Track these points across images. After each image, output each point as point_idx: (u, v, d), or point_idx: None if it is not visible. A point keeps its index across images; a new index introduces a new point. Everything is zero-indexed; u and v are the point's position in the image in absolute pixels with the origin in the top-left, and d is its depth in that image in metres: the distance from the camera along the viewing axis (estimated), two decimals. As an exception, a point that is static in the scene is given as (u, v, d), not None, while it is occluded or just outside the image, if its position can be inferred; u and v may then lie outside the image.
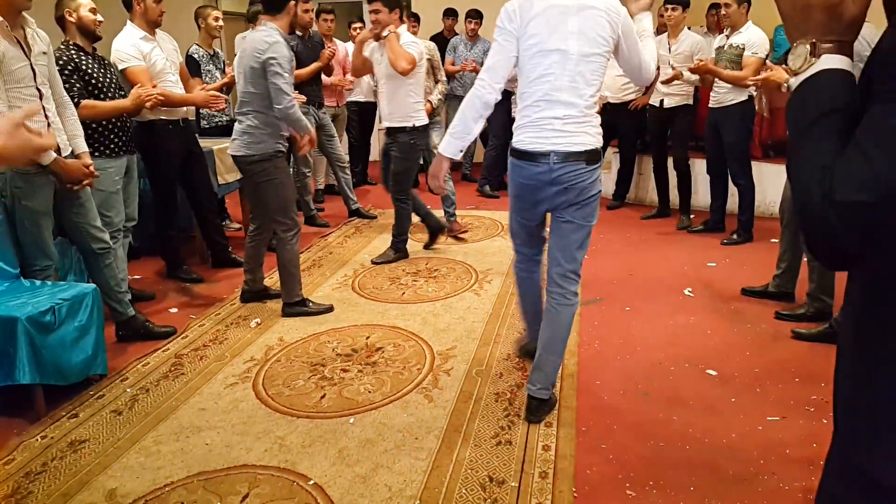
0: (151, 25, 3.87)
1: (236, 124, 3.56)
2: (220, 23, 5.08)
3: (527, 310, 2.96)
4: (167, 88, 3.88)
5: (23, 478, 2.32)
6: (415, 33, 6.59)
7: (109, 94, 3.48)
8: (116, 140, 3.53)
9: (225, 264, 4.55)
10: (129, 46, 3.76)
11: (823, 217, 0.82)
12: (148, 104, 3.54)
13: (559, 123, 2.43)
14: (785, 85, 3.11)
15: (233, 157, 3.61)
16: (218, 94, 4.20)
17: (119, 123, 3.55)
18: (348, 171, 5.90)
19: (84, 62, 3.39)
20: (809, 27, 0.91)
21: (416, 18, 6.67)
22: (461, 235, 5.20)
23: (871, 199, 0.77)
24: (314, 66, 5.35)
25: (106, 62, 3.59)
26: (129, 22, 3.85)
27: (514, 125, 2.56)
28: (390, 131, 4.49)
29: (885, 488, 0.90)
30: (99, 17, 3.44)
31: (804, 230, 0.87)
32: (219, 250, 4.55)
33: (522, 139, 2.50)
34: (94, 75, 3.42)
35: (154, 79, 3.81)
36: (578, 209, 2.54)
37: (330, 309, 3.78)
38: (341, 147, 5.81)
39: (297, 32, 5.31)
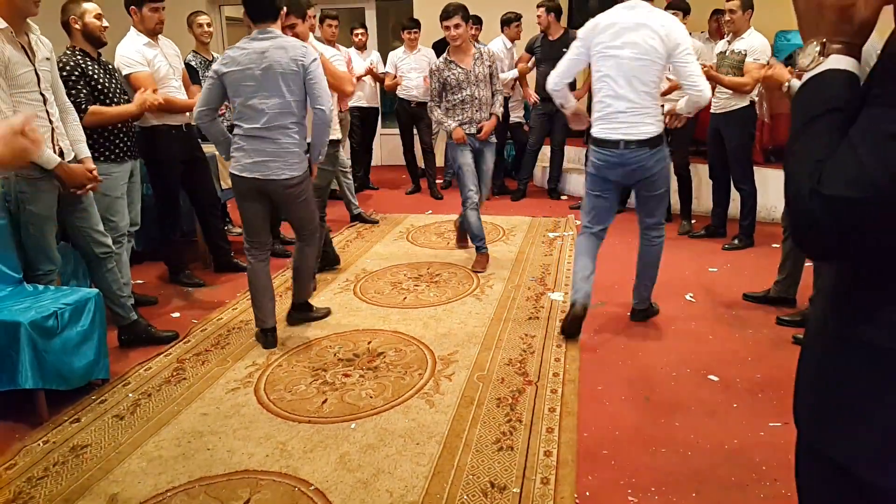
0: (151, 33, 3.89)
1: (261, 143, 3.12)
2: (209, 29, 5.10)
3: (577, 272, 3.54)
4: (170, 94, 3.89)
5: (24, 482, 2.33)
6: (415, 40, 6.64)
7: (115, 100, 3.50)
8: (121, 145, 3.55)
9: (227, 268, 4.56)
10: (132, 52, 3.78)
11: (809, 208, 0.85)
12: (153, 109, 3.55)
13: (623, 116, 3.18)
14: (786, 85, 3.11)
15: (272, 181, 3.17)
16: None
17: (124, 129, 3.57)
18: (350, 176, 5.91)
19: (90, 68, 3.41)
20: (821, 27, 0.94)
21: (416, 25, 6.68)
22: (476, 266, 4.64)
23: (857, 195, 0.81)
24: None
25: (111, 67, 3.61)
26: (132, 28, 3.87)
27: (592, 117, 3.35)
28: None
29: (847, 470, 0.93)
30: (104, 23, 3.46)
31: (791, 219, 0.91)
32: (221, 255, 4.56)
33: (598, 130, 3.28)
34: (101, 81, 3.44)
35: (157, 84, 3.83)
36: (649, 183, 3.36)
37: (328, 312, 3.78)
38: (344, 152, 5.82)
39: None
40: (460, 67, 4.37)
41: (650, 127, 3.18)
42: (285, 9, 3.25)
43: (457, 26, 4.26)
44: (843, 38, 0.92)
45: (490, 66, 4.48)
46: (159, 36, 3.97)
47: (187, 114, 4.11)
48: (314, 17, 5.91)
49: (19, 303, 2.76)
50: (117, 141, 3.52)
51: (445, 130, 4.50)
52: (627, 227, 5.59)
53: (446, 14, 4.25)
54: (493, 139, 4.63)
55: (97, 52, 3.51)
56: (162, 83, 3.87)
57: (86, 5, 3.42)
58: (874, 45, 0.95)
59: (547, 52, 6.23)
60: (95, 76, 3.42)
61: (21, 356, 2.57)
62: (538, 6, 6.23)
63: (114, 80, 3.55)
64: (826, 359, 0.99)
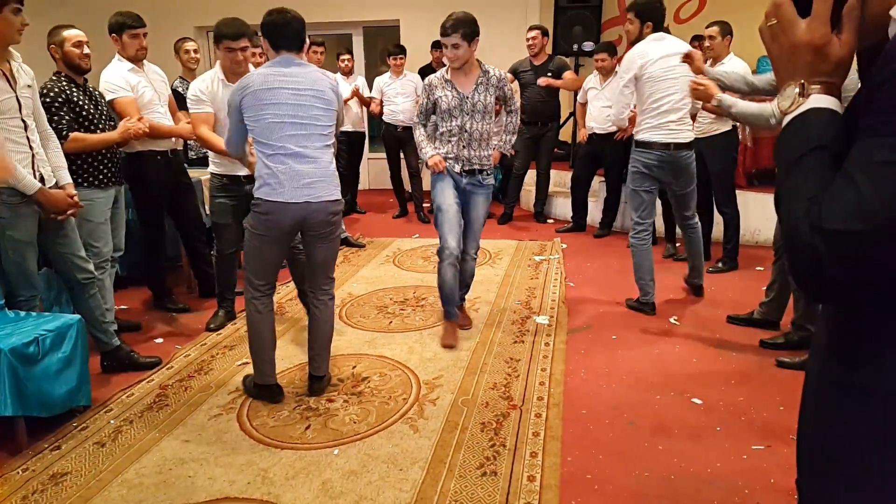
0: (133, 60, 3.90)
1: (308, 166, 2.81)
2: (196, 55, 5.14)
3: (647, 271, 4.16)
4: (155, 119, 3.91)
5: (2, 512, 2.30)
6: (400, 66, 6.70)
7: (100, 126, 3.51)
8: (105, 171, 3.54)
9: (212, 294, 4.53)
10: (117, 78, 3.79)
11: (811, 246, 0.82)
12: (135, 136, 3.56)
13: (673, 125, 3.94)
14: (716, 99, 3.24)
15: (319, 208, 2.84)
16: None
17: (108, 155, 3.57)
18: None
19: (74, 94, 3.42)
20: (797, 68, 0.93)
21: (402, 51, 6.75)
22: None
23: (860, 227, 0.79)
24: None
25: (96, 94, 3.62)
26: (117, 54, 3.88)
27: (642, 125, 4.00)
28: None
29: None
30: (85, 51, 3.46)
31: (791, 261, 0.88)
32: (206, 280, 4.54)
33: (651, 135, 3.97)
34: (85, 107, 3.45)
35: (142, 110, 3.84)
36: (689, 177, 4.10)
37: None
38: None
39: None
40: (456, 90, 3.53)
41: (690, 133, 4.05)
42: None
43: (455, 46, 3.40)
44: (822, 77, 0.92)
45: (498, 91, 3.62)
46: (145, 62, 3.99)
47: (172, 139, 4.12)
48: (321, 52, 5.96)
49: (0, 329, 2.74)
50: (100, 167, 3.51)
51: (422, 158, 3.73)
52: (612, 250, 5.66)
53: (444, 31, 3.39)
54: (489, 180, 3.75)
55: (83, 79, 3.52)
56: (146, 109, 3.88)
57: (66, 33, 3.43)
58: (851, 77, 0.96)
59: (532, 77, 6.31)
60: (80, 102, 3.43)
61: (1, 383, 2.55)
62: (531, 28, 6.31)
63: (99, 107, 3.56)
64: (828, 409, 0.95)
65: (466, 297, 4.09)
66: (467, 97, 3.54)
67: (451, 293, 3.68)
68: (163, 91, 4.09)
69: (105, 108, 3.63)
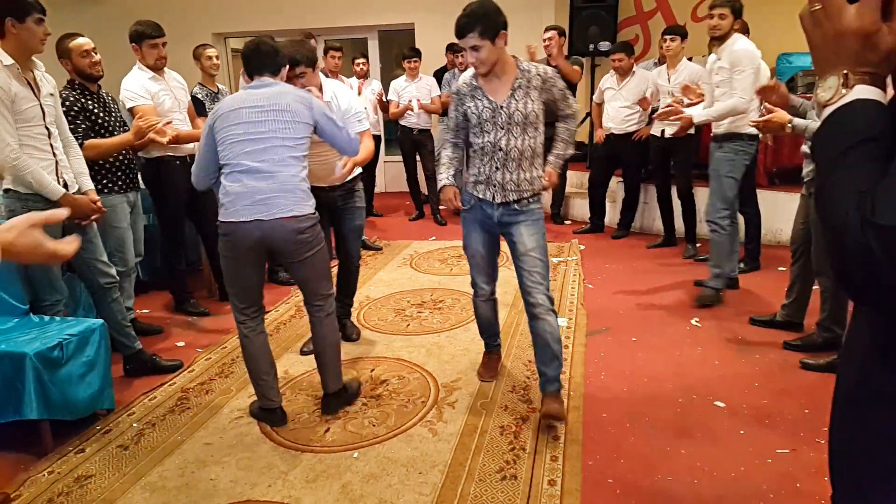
0: (153, 68, 3.95)
1: (263, 183, 2.67)
2: (217, 61, 5.17)
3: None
4: (174, 126, 3.95)
5: (27, 515, 2.32)
6: (415, 69, 6.70)
7: (114, 133, 3.56)
8: (122, 176, 3.60)
9: None
10: (137, 86, 3.84)
11: (862, 243, 0.78)
12: (150, 135, 3.53)
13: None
14: (788, 126, 3.16)
15: (274, 226, 2.67)
16: None
17: (124, 160, 3.62)
18: None
19: (89, 102, 3.47)
20: (842, 57, 0.88)
21: (417, 54, 6.76)
22: None
23: None
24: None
25: (110, 101, 3.66)
26: (137, 62, 3.93)
27: (742, 119, 4.00)
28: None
29: None
30: (95, 58, 3.49)
31: (837, 259, 0.83)
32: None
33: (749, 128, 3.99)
34: (99, 115, 3.50)
35: (161, 117, 3.88)
36: None
37: (359, 385, 3.23)
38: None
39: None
40: (487, 99, 2.78)
41: None
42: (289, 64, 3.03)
43: (475, 49, 2.68)
44: (867, 67, 0.87)
45: (546, 94, 2.80)
46: (165, 69, 4.03)
47: (192, 145, 4.15)
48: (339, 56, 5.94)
49: (25, 334, 2.78)
50: (118, 173, 3.57)
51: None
52: (631, 252, 5.62)
53: (458, 32, 2.68)
54: (534, 206, 2.90)
55: (96, 86, 3.57)
56: (166, 116, 3.92)
57: (73, 43, 3.45)
58: None
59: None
60: (94, 110, 3.48)
61: (26, 387, 2.58)
62: (548, 29, 6.26)
63: (112, 114, 3.61)
64: (872, 422, 0.91)
65: (560, 377, 2.91)
66: (502, 107, 2.76)
67: (488, 326, 3.31)
68: (182, 98, 4.13)
69: (118, 115, 3.67)
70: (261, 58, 2.80)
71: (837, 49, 0.88)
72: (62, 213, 1.29)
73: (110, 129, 3.53)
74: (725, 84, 3.99)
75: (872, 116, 0.85)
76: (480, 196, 2.90)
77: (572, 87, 6.29)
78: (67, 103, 3.38)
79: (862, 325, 0.96)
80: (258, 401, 2.94)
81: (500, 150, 2.80)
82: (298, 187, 2.73)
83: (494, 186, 2.84)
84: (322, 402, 3.03)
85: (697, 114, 4.09)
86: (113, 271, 3.28)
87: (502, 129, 2.78)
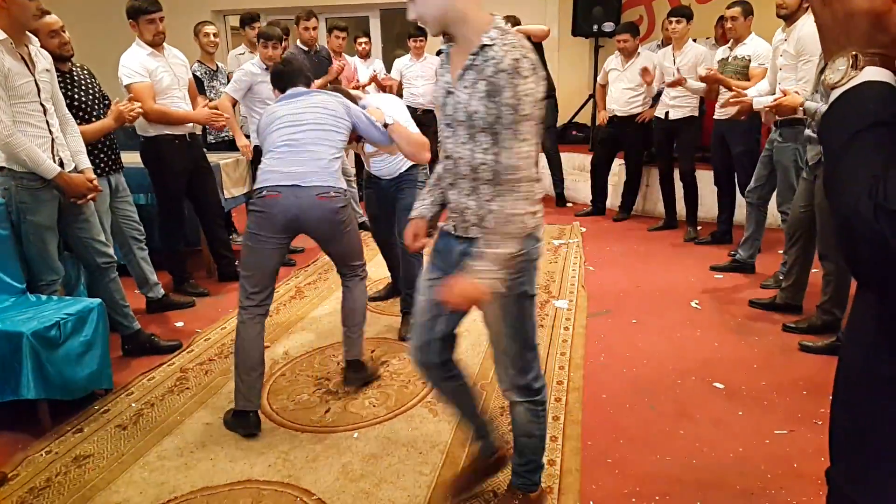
0: (151, 45, 3.88)
1: (301, 156, 2.71)
2: (216, 39, 5.12)
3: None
4: (172, 105, 3.91)
5: (27, 493, 2.32)
6: (420, 48, 6.64)
7: (94, 112, 3.46)
8: (105, 158, 3.50)
9: (231, 277, 4.55)
10: (135, 63, 3.79)
11: (873, 228, 0.77)
12: (129, 119, 3.44)
13: None
14: (800, 110, 3.13)
15: (311, 204, 2.67)
16: (219, 112, 4.23)
17: (106, 142, 3.53)
18: (354, 185, 5.91)
19: (61, 86, 3.26)
20: (852, 38, 0.86)
21: (423, 33, 6.69)
22: None
23: None
24: (322, 80, 5.37)
25: (86, 76, 3.53)
26: (136, 39, 3.88)
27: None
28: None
29: None
30: (64, 37, 3.34)
31: (848, 245, 0.82)
32: (225, 264, 4.55)
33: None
34: (74, 96, 3.38)
35: (159, 95, 3.84)
36: None
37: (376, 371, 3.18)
38: (348, 161, 5.82)
39: (303, 47, 5.35)
40: (448, 74, 1.81)
41: None
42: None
43: None
44: (877, 48, 0.85)
45: (493, 88, 1.65)
46: (166, 46, 3.97)
47: (190, 124, 4.11)
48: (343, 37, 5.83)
49: (22, 313, 2.76)
50: (101, 155, 3.46)
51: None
52: (632, 234, 5.61)
53: None
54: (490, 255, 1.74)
55: (68, 66, 3.42)
56: (165, 94, 3.88)
57: (40, 23, 3.19)
58: None
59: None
60: (67, 93, 3.33)
61: (24, 367, 2.57)
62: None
63: (90, 93, 3.48)
64: (874, 404, 0.91)
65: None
66: (451, 91, 1.78)
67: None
68: (182, 75, 4.08)
69: (96, 90, 3.56)
70: (293, 71, 2.98)
71: (847, 30, 0.87)
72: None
73: (87, 108, 3.42)
74: (790, 70, 3.84)
75: (883, 100, 0.83)
76: (445, 228, 1.96)
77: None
78: None
79: (868, 309, 0.95)
80: (235, 403, 2.70)
81: (449, 156, 1.85)
82: (333, 170, 2.78)
83: (454, 212, 1.89)
84: (344, 373, 3.08)
85: (758, 100, 3.90)
86: (111, 251, 3.26)
87: (449, 124, 1.82)
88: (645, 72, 5.49)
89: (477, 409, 2.21)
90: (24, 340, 2.56)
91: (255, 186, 2.75)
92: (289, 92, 2.91)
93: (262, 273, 2.72)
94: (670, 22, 5.18)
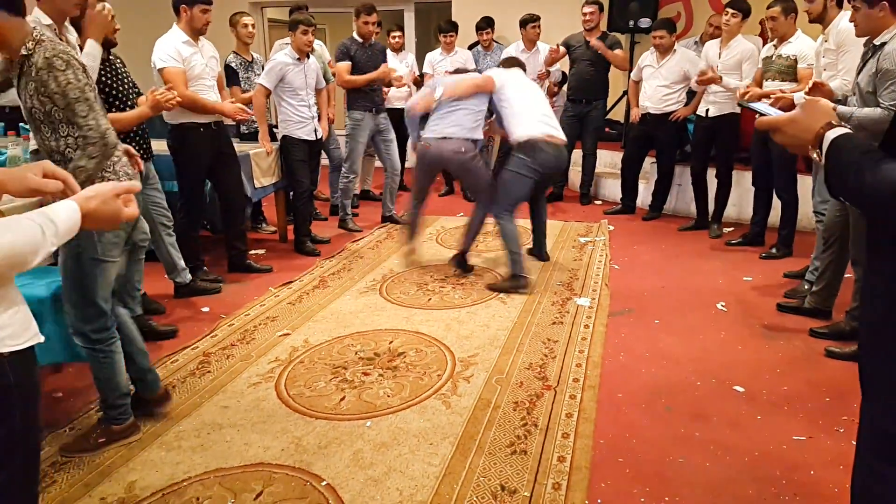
0: (196, 33, 3.96)
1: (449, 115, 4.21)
2: (252, 30, 5.17)
3: None
4: (201, 93, 3.97)
5: (49, 467, 2.39)
6: (451, 44, 6.64)
7: (129, 103, 3.48)
8: (136, 147, 3.54)
9: (240, 269, 4.55)
10: (170, 48, 3.86)
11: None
12: (167, 108, 3.46)
13: None
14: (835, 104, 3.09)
15: (441, 145, 4.22)
16: (245, 108, 4.29)
17: (139, 131, 3.59)
18: (398, 180, 5.94)
19: (102, 74, 3.36)
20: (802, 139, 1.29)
21: (453, 28, 6.69)
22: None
23: None
24: (371, 74, 5.38)
25: (120, 67, 3.54)
26: (174, 25, 3.95)
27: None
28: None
29: None
30: (115, 25, 3.40)
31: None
32: (235, 255, 4.56)
33: None
34: (112, 85, 3.42)
35: (190, 83, 3.90)
36: None
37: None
38: (396, 153, 5.85)
39: (359, 39, 5.40)
40: None
41: None
42: None
43: None
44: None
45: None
46: (201, 38, 4.04)
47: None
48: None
49: (46, 277, 2.78)
50: (133, 142, 3.48)
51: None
52: (661, 233, 5.54)
53: None
54: None
55: (106, 53, 3.42)
56: (195, 82, 3.94)
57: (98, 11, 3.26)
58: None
59: (584, 53, 6.20)
60: (108, 81, 3.39)
61: (45, 331, 2.59)
62: (588, 3, 6.16)
63: (124, 82, 3.50)
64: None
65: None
66: None
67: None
68: (213, 67, 4.15)
69: (130, 79, 3.58)
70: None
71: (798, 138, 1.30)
72: (136, 185, 1.32)
73: (122, 97, 3.45)
74: (832, 68, 3.76)
75: (858, 140, 1.18)
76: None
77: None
78: None
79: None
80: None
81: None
82: (463, 125, 4.20)
83: None
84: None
85: (798, 95, 3.78)
86: (148, 232, 3.34)
87: None
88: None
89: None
90: (51, 300, 2.60)
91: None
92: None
93: (421, 192, 4.69)
94: (726, 13, 5.05)
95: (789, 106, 3.83)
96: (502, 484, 2.26)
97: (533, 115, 4.21)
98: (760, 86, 4.62)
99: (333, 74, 5.64)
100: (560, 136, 4.23)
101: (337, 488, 2.25)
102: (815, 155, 1.25)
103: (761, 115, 1.40)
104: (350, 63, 5.39)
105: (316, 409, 2.78)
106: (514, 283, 4.16)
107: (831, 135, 1.20)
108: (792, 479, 2.29)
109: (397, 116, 6.02)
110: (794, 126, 1.28)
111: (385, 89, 5.94)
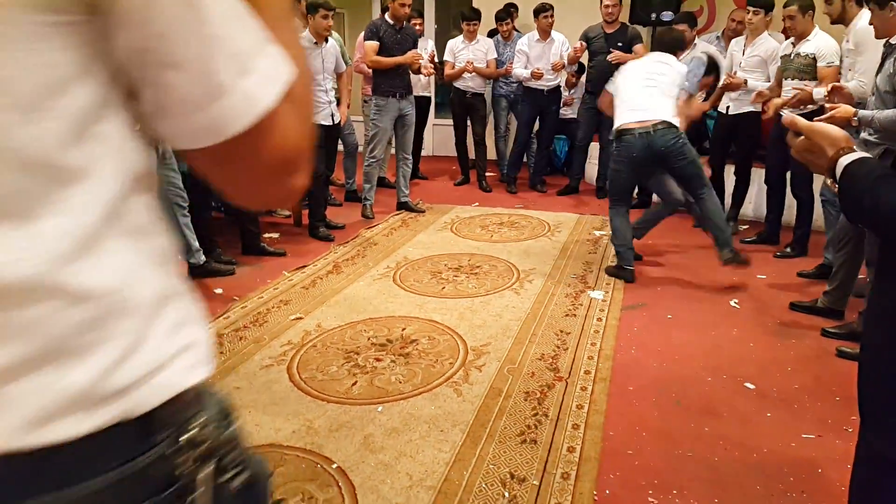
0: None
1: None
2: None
3: None
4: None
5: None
6: (473, 32, 6.62)
7: None
8: None
9: (254, 252, 4.59)
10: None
11: None
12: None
13: None
14: (855, 119, 3.05)
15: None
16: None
17: None
18: (410, 164, 5.93)
19: None
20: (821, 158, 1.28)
21: (476, 16, 6.66)
22: None
23: None
24: (398, 58, 5.36)
25: None
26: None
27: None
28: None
29: None
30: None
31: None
32: (248, 238, 4.61)
33: None
34: None
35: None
36: None
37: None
38: (410, 139, 5.84)
39: (390, 21, 5.37)
40: None
41: None
42: None
43: None
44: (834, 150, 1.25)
45: None
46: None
47: None
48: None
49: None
50: None
51: None
52: (677, 229, 5.51)
53: None
54: None
55: None
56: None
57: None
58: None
59: (602, 45, 6.16)
60: None
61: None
62: None
63: None
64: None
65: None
66: None
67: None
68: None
69: None
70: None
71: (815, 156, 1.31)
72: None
73: None
74: (853, 68, 3.73)
75: (872, 164, 1.20)
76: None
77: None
78: None
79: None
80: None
81: None
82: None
83: None
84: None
85: (817, 90, 3.83)
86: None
87: None
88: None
89: None
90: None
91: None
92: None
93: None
94: (748, 11, 5.00)
95: (808, 99, 3.83)
96: (512, 472, 2.28)
97: (627, 104, 4.18)
98: (780, 84, 4.59)
99: (351, 58, 5.64)
100: (652, 117, 4.03)
101: (347, 471, 2.28)
102: (828, 182, 1.26)
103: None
104: (378, 43, 5.33)
105: (328, 392, 2.81)
106: (617, 273, 4.32)
107: (844, 161, 1.21)
108: (800, 477, 2.30)
109: (420, 103, 6.00)
110: (810, 146, 1.30)
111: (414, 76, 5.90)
